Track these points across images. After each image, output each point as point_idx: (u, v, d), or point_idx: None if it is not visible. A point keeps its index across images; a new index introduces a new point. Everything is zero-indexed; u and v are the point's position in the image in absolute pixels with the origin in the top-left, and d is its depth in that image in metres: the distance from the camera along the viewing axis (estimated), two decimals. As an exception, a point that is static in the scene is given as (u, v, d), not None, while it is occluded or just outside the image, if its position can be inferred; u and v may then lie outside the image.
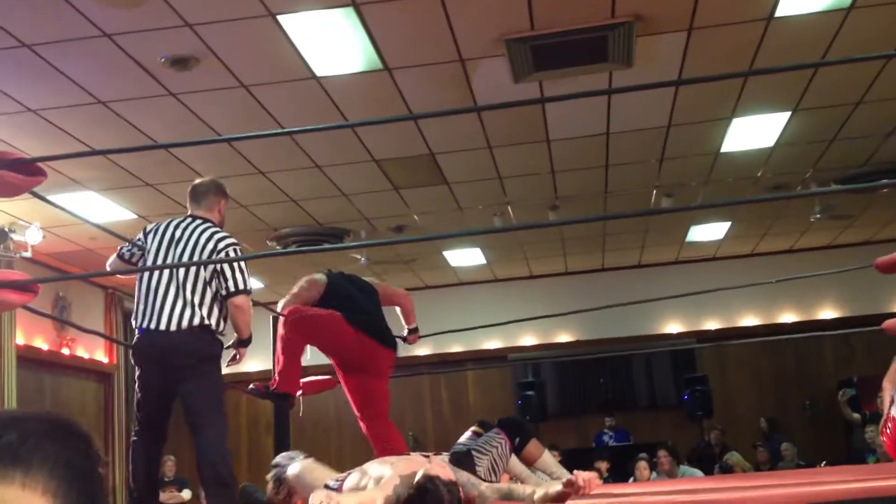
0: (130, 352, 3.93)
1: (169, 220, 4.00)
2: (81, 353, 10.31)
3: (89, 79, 5.83)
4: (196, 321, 3.74)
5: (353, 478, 3.16)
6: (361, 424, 4.70)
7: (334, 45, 5.65)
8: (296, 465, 3.31)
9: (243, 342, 4.01)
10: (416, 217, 9.28)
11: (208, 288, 3.80)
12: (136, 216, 8.34)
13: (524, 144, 7.58)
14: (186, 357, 3.74)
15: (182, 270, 3.78)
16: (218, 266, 3.79)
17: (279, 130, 6.49)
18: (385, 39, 5.62)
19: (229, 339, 4.01)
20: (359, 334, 4.48)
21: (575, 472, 2.86)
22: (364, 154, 7.48)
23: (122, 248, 4.08)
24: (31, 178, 3.42)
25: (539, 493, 3.18)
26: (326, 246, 4.54)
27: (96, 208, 8.03)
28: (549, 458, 4.12)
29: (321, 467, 3.53)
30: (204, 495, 3.82)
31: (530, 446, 4.00)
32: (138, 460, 3.86)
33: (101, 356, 10.72)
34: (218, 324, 3.84)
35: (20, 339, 9.12)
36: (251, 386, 4.60)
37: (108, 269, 4.25)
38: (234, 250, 3.89)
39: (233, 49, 5.59)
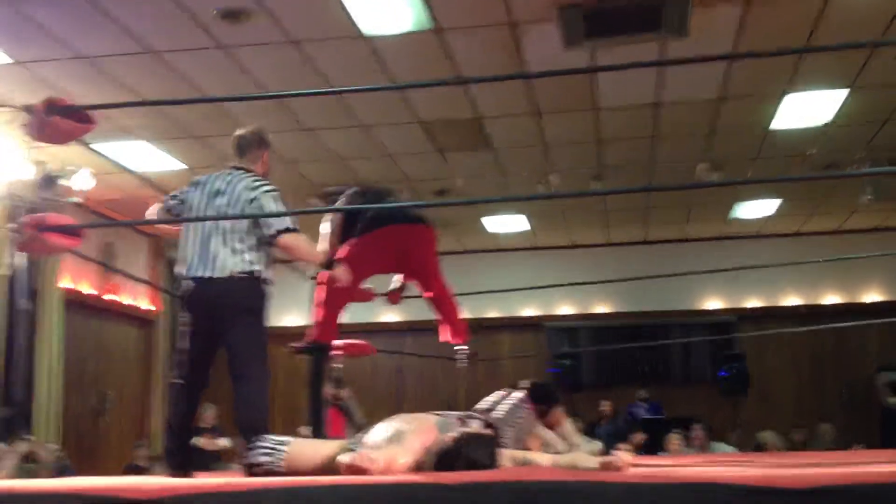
0: (181, 299, 3.97)
1: (213, 173, 4.07)
2: (125, 299, 10.50)
3: (142, 28, 5.88)
4: (244, 268, 3.80)
5: (371, 437, 3.16)
6: (435, 288, 4.80)
7: (385, 3, 5.63)
8: (286, 448, 3.15)
9: (324, 266, 4.09)
10: (458, 181, 9.27)
11: (251, 235, 3.86)
12: (184, 167, 8.43)
13: (572, 112, 7.52)
14: (235, 305, 3.79)
15: (226, 220, 3.85)
16: (258, 213, 3.87)
17: (326, 89, 6.50)
18: None
19: (282, 290, 4.03)
20: (378, 232, 4.51)
21: (615, 453, 2.85)
22: (410, 115, 7.48)
23: (166, 200, 4.13)
24: (82, 126, 3.49)
25: (565, 461, 3.18)
26: (367, 205, 4.56)
27: (146, 157, 8.13)
28: (569, 427, 4.15)
29: (311, 440, 3.49)
30: (240, 443, 3.88)
31: (556, 413, 4.02)
32: (179, 404, 3.95)
33: (144, 303, 10.92)
34: (266, 270, 3.89)
35: (67, 283, 9.31)
36: (290, 345, 4.65)
37: (146, 217, 4.35)
38: (271, 196, 3.91)
39: (284, 3, 5.60)
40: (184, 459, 3.90)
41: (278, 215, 3.89)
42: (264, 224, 3.85)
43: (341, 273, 4.12)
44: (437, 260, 4.88)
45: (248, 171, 4.03)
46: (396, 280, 5.12)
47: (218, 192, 3.94)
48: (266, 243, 3.88)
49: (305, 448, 3.22)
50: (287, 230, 3.87)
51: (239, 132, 4.19)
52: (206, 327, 3.86)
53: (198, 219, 3.91)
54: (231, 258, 3.80)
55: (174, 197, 4.12)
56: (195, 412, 4.09)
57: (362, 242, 4.54)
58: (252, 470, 3.16)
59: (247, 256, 3.82)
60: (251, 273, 3.83)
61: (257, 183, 3.94)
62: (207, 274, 3.81)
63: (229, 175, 4.00)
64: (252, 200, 3.87)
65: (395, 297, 5.18)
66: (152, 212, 4.25)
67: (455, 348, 4.89)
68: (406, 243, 4.66)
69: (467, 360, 4.98)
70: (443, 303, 4.84)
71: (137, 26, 5.85)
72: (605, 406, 10.66)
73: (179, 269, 3.94)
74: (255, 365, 3.81)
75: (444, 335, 4.94)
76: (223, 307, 3.80)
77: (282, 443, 3.17)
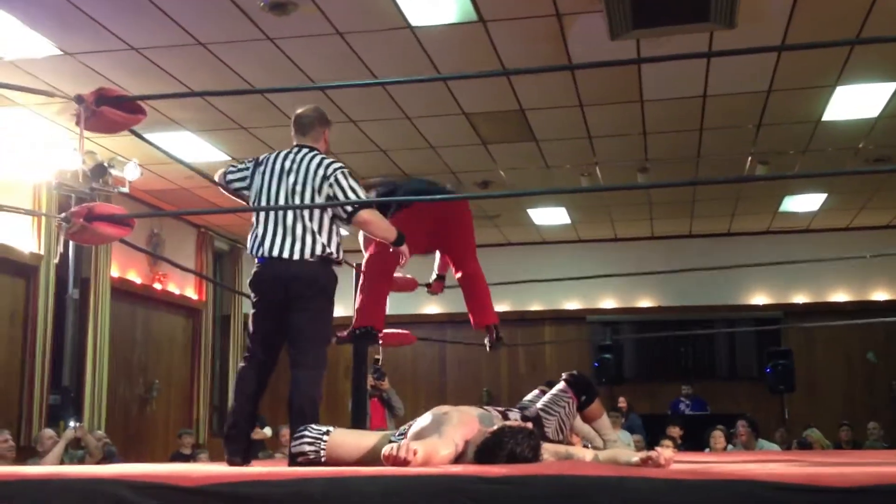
0: (250, 280, 3.87)
1: (278, 151, 4.01)
2: (172, 288, 10.65)
3: (190, 20, 5.94)
4: (318, 250, 3.75)
5: (413, 428, 3.17)
6: (468, 267, 4.80)
7: (430, -5, 5.63)
8: (329, 438, 3.16)
9: (395, 242, 4.06)
10: (502, 173, 9.25)
11: (325, 214, 3.81)
12: (229, 158, 8.52)
13: (617, 104, 7.46)
14: (306, 288, 3.73)
15: (299, 198, 3.80)
16: (331, 192, 3.80)
17: (370, 81, 6.51)
18: (481, -9, 5.57)
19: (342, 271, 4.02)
20: (413, 207, 4.54)
21: (657, 448, 2.83)
22: (454, 107, 7.48)
23: (225, 175, 4.09)
24: (132, 116, 3.54)
25: (606, 456, 3.17)
26: (411, 196, 4.56)
27: (192, 148, 8.23)
28: (606, 420, 4.12)
29: (353, 431, 3.45)
30: (287, 433, 3.84)
31: (593, 406, 3.98)
32: (243, 387, 3.84)
33: (191, 293, 11.06)
34: (338, 251, 3.84)
35: (115, 272, 9.47)
36: (336, 336, 4.63)
37: (216, 179, 4.21)
38: (343, 173, 3.86)
39: (330, -4, 5.62)
40: (243, 447, 3.80)
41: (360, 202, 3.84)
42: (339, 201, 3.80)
43: (406, 251, 4.15)
44: (474, 237, 4.86)
45: (312, 148, 3.97)
46: (437, 267, 5.12)
47: (286, 171, 3.86)
48: (342, 221, 3.85)
49: (347, 438, 3.23)
50: (365, 206, 3.85)
51: (299, 111, 4.14)
52: (274, 309, 3.79)
53: (273, 207, 3.82)
54: (307, 238, 3.74)
55: (237, 170, 4.05)
56: (260, 397, 3.94)
57: (398, 219, 4.50)
58: (295, 459, 3.19)
59: (321, 237, 3.77)
60: (325, 255, 3.77)
61: (328, 160, 3.89)
62: (280, 254, 3.74)
63: (296, 153, 3.93)
64: (326, 178, 3.81)
65: (438, 286, 5.17)
66: (218, 178, 4.16)
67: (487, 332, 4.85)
68: (442, 215, 4.65)
69: (498, 342, 4.91)
70: (477, 282, 4.80)
71: (185, 18, 5.91)
72: (621, 402, 10.58)
73: (251, 249, 3.88)
74: (315, 354, 3.76)
75: (478, 319, 4.85)
76: (295, 289, 3.73)
77: (324, 432, 3.19)
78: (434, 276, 5.16)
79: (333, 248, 3.82)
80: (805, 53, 6.48)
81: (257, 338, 3.87)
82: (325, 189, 3.80)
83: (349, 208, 3.79)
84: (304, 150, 3.94)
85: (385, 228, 4.01)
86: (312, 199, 3.81)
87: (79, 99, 3.36)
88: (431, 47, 6.33)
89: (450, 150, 8.55)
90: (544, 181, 9.48)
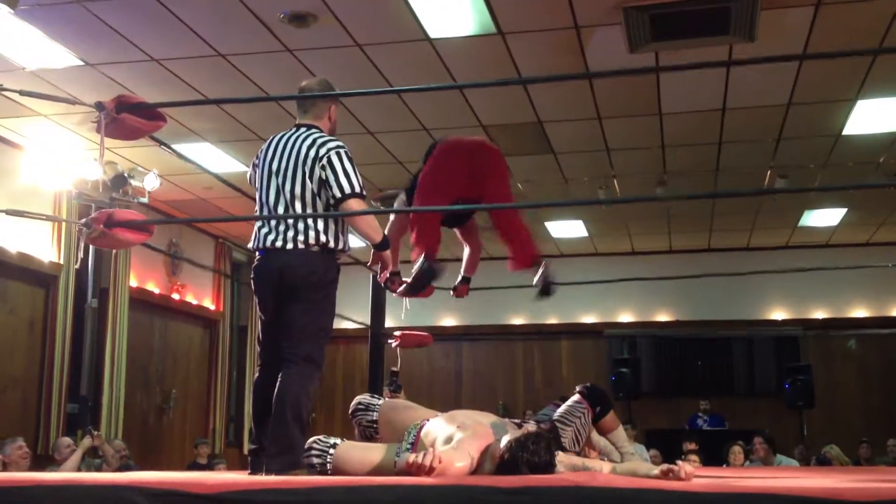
0: (251, 279, 3.61)
1: (280, 133, 3.72)
2: (190, 298, 10.68)
3: (210, 31, 5.98)
4: (311, 239, 3.46)
5: (428, 438, 3.14)
6: (510, 212, 4.60)
7: (449, 7, 5.64)
8: (335, 451, 3.14)
9: (378, 246, 3.69)
10: (519, 185, 9.24)
11: (318, 199, 3.51)
12: (247, 169, 8.54)
13: (635, 117, 7.44)
14: (300, 279, 3.45)
15: (289, 185, 3.53)
16: (323, 174, 3.48)
17: (388, 88, 6.52)
18: (500, 2, 5.58)
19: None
20: (445, 146, 4.37)
21: (679, 462, 2.79)
22: (472, 119, 7.48)
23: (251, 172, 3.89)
24: (152, 123, 3.56)
25: (624, 468, 3.14)
26: (428, 207, 4.47)
27: (211, 159, 8.26)
28: (622, 432, 4.08)
29: (359, 444, 3.38)
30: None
31: (608, 417, 3.94)
32: (259, 402, 3.58)
33: (208, 303, 11.09)
34: (336, 240, 3.53)
35: (133, 282, 9.51)
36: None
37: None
38: (338, 153, 3.51)
39: (349, 7, 5.65)
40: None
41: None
42: (329, 185, 3.47)
43: (388, 259, 3.89)
44: (510, 188, 4.62)
45: (310, 126, 3.65)
46: (463, 269, 5.03)
47: (279, 156, 3.58)
48: (332, 206, 3.49)
49: (354, 452, 3.22)
50: (356, 194, 3.48)
51: (303, 83, 3.78)
52: (271, 305, 3.54)
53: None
54: (297, 226, 3.47)
55: (252, 168, 3.83)
56: None
57: (432, 163, 4.32)
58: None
59: (315, 226, 3.48)
60: (320, 244, 3.48)
61: (323, 139, 3.56)
62: (273, 244, 3.49)
63: (292, 134, 3.64)
64: (318, 159, 3.50)
65: (463, 289, 5.04)
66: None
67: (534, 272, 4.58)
68: (478, 159, 4.39)
69: (549, 286, 4.63)
70: (518, 231, 4.56)
71: (205, 29, 5.95)
72: (690, 446, 10.47)
73: (251, 245, 3.65)
74: (307, 349, 3.45)
75: (525, 254, 4.58)
76: (288, 280, 3.47)
77: (331, 445, 3.18)
78: (460, 279, 5.07)
79: (331, 237, 3.50)
80: (825, 67, 6.44)
81: (264, 342, 3.64)
82: (318, 172, 3.49)
83: (338, 193, 3.46)
84: (301, 130, 3.63)
85: (371, 226, 3.60)
86: (303, 184, 3.51)
87: (99, 106, 3.37)
88: (450, 59, 6.34)
89: (467, 162, 8.54)
90: (562, 194, 9.46)
